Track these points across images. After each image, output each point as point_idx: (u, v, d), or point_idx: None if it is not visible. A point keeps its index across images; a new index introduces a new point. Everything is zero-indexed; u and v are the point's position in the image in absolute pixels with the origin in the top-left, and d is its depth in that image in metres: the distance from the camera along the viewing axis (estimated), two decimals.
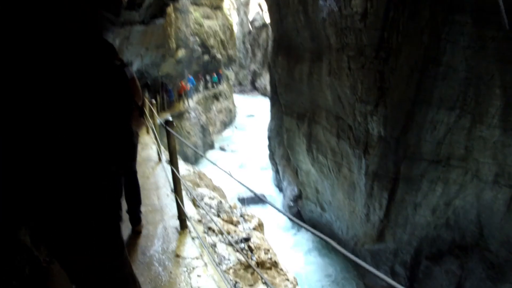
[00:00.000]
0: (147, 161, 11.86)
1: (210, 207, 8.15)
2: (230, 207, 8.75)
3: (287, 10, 20.28)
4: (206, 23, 44.00)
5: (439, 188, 13.92)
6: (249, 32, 71.66)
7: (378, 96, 13.89)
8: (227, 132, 45.84)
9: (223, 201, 8.89)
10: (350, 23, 14.00)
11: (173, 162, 5.68)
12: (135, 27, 19.51)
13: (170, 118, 6.13)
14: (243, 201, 25.84)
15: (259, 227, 8.23)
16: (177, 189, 5.93)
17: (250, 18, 69.06)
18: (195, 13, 41.68)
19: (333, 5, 14.54)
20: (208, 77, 45.21)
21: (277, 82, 24.37)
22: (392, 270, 16.34)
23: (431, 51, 12.67)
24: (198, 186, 11.00)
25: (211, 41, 44.49)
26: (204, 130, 36.33)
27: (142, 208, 6.31)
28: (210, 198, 8.71)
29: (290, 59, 21.58)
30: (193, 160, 32.54)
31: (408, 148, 14.12)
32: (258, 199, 25.78)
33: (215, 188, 12.67)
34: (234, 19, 70.16)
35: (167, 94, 31.92)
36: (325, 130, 18.63)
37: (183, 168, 12.69)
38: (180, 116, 31.85)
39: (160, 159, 11.71)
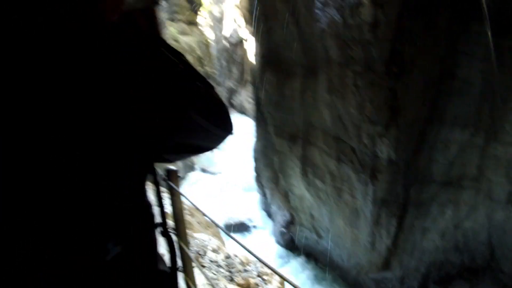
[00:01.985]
0: None
1: (218, 265, 6.57)
2: (242, 262, 7.18)
3: (275, 22, 18.95)
4: (183, 39, 42.75)
5: (449, 210, 13.69)
6: (225, 48, 71.19)
7: (389, 116, 12.90)
8: (207, 153, 44.03)
9: (230, 253, 7.32)
10: (357, 34, 12.78)
11: (180, 234, 4.06)
12: None
13: (173, 168, 4.53)
14: (230, 227, 24.34)
15: (282, 287, 6.68)
16: (186, 269, 4.28)
17: (226, 34, 68.66)
18: (171, 29, 40.31)
19: (335, 14, 13.22)
20: None
21: (263, 100, 22.84)
22: None
23: (447, 65, 12.10)
24: (191, 227, 9.50)
25: (188, 58, 42.75)
26: None
27: None
28: (213, 250, 7.15)
29: (280, 75, 20.17)
30: None
31: (418, 170, 13.55)
32: (246, 226, 24.71)
33: (208, 225, 11.31)
34: (210, 35, 69.99)
35: None
36: (322, 152, 17.42)
37: (168, 202, 11.15)
38: None
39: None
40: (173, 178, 4.15)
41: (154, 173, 1.99)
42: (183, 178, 33.05)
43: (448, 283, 14.52)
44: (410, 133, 12.98)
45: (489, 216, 13.14)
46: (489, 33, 11.01)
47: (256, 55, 24.34)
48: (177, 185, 4.20)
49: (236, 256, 7.67)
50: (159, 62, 1.59)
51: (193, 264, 6.06)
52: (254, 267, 7.46)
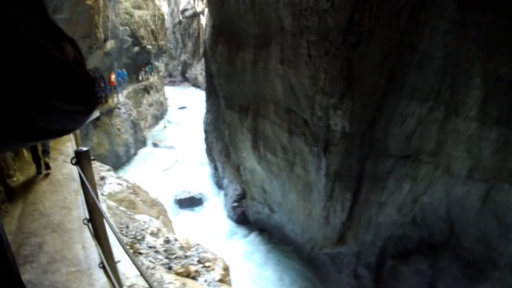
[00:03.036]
0: (69, 181, 9.50)
1: (156, 251, 5.99)
2: (182, 247, 6.61)
3: None
4: (137, 13, 42.26)
5: (407, 185, 13.63)
6: (180, 22, 71.15)
7: (344, 87, 12.65)
8: (159, 126, 43.71)
9: (170, 237, 6.74)
10: (313, 3, 12.51)
11: (95, 224, 3.43)
12: (57, 15, 17.33)
13: (83, 148, 3.88)
14: (182, 202, 24.13)
15: (225, 275, 6.15)
16: (108, 262, 3.68)
17: (181, 7, 68.53)
18: (126, 3, 39.74)
19: None
20: (146, 68, 44.25)
21: (215, 72, 22.48)
22: (355, 273, 15.82)
23: (408, 36, 11.86)
24: (134, 207, 8.94)
25: (142, 32, 42.63)
26: (135, 126, 34.10)
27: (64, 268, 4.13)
28: (153, 234, 6.55)
29: (231, 46, 19.75)
30: (125, 159, 30.85)
31: (374, 144, 13.45)
32: (197, 200, 24.31)
33: (153, 204, 10.79)
34: (165, 9, 70.12)
35: (103, 89, 29.77)
36: (273, 125, 17.15)
37: (114, 182, 10.61)
38: (109, 112, 29.47)
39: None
40: (84, 161, 3.54)
41: None
42: (134, 154, 32.54)
43: (407, 258, 14.47)
44: (366, 105, 12.71)
45: (448, 191, 13.06)
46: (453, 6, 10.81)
47: (208, 26, 23.90)
48: (90, 168, 3.58)
49: (176, 240, 7.12)
50: None
51: (126, 253, 5.48)
52: (196, 252, 6.94)
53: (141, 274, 4.51)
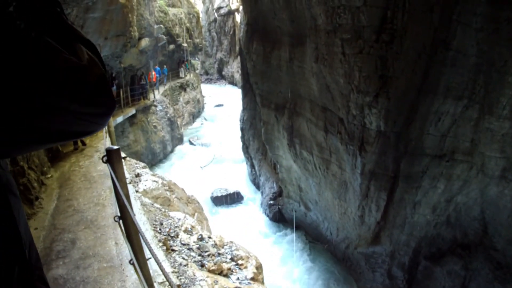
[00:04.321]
0: (103, 178, 9.68)
1: (189, 248, 6.06)
2: (216, 245, 6.67)
3: None
4: (171, 11, 42.67)
5: (441, 184, 13.28)
6: (215, 19, 71.50)
7: (379, 85, 12.48)
8: (196, 124, 44.13)
9: (204, 234, 6.81)
10: (345, 1, 12.36)
11: (126, 221, 3.51)
12: (90, 14, 17.49)
13: (114, 146, 3.96)
14: (218, 200, 24.31)
15: (258, 273, 6.18)
16: (138, 260, 3.76)
17: (216, 5, 68.80)
18: (160, 1, 40.21)
19: None
20: (183, 65, 44.85)
21: (250, 70, 22.48)
22: (389, 273, 15.66)
23: (441, 33, 11.53)
24: (170, 204, 9.04)
25: (177, 30, 43.09)
26: (172, 123, 34.54)
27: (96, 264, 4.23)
28: (187, 231, 6.63)
29: (266, 44, 19.74)
30: (162, 156, 31.14)
31: (410, 143, 13.14)
32: (233, 198, 24.44)
33: (189, 201, 10.90)
34: (200, 7, 70.53)
35: (143, 86, 30.65)
36: (309, 123, 17.06)
37: (150, 179, 10.75)
38: (146, 110, 29.87)
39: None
40: (115, 159, 3.61)
41: None
42: (171, 151, 32.90)
43: (440, 259, 14.25)
44: (401, 104, 12.56)
45: (482, 191, 12.69)
46: (485, 2, 10.58)
47: (243, 24, 23.96)
48: (121, 166, 3.66)
49: (210, 237, 7.18)
50: None
51: (160, 249, 5.57)
52: (229, 250, 6.98)
53: (175, 270, 4.61)
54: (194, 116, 45.23)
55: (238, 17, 51.86)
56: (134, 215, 3.43)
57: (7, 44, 1.05)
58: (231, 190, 24.92)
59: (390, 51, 11.92)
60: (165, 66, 38.94)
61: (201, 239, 6.74)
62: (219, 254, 6.61)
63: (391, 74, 12.15)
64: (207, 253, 6.36)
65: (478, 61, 11.22)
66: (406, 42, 11.72)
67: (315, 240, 19.60)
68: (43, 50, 1.15)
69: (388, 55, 11.99)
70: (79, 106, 1.25)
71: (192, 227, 7.06)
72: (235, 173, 29.20)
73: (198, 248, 6.41)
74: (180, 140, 36.39)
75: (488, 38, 10.87)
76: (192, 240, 6.56)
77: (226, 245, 7.24)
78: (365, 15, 11.94)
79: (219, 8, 67.65)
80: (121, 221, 4.11)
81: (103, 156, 3.83)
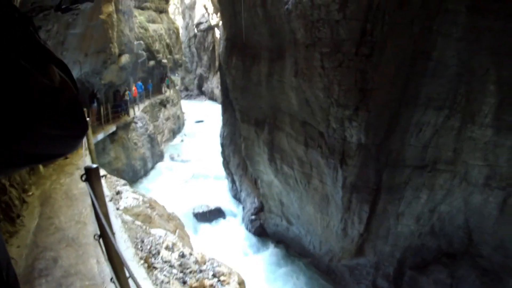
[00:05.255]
0: (84, 196, 9.59)
1: (171, 265, 5.99)
2: (197, 261, 6.61)
3: (242, 5, 18.37)
4: (151, 27, 42.62)
5: (424, 195, 13.55)
6: (195, 35, 71.51)
7: (359, 98, 12.60)
8: (176, 140, 43.91)
9: (185, 251, 6.74)
10: (325, 14, 12.41)
11: (106, 239, 3.45)
12: (71, 30, 17.35)
13: (93, 165, 3.89)
14: (199, 216, 24.13)
15: None
16: (118, 278, 3.70)
17: (195, 21, 68.90)
18: (140, 17, 40.18)
19: None
20: (164, 82, 44.81)
21: (230, 85, 22.47)
22: (374, 284, 15.77)
23: (421, 45, 11.79)
24: (151, 221, 8.95)
25: (157, 46, 43.08)
26: (152, 140, 34.31)
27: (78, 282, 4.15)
28: (168, 248, 6.56)
29: (246, 59, 19.73)
30: (142, 173, 30.94)
31: (391, 154, 13.38)
32: (214, 214, 24.30)
33: (170, 218, 10.79)
34: (179, 23, 70.48)
35: (124, 102, 30.57)
36: (290, 137, 17.11)
37: (130, 197, 10.66)
38: (126, 126, 29.64)
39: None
40: (94, 178, 3.55)
41: None
42: (151, 168, 32.74)
43: (426, 268, 14.41)
44: (381, 116, 12.66)
45: (465, 199, 12.96)
46: (465, 12, 10.76)
47: (222, 39, 23.96)
48: (99, 185, 3.59)
49: (191, 254, 7.13)
50: None
51: (142, 267, 5.49)
52: (211, 266, 6.93)
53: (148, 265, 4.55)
54: (175, 132, 45.03)
55: (218, 33, 51.94)
56: (114, 233, 3.37)
57: None
58: (212, 206, 24.77)
59: (370, 64, 11.99)
60: (149, 81, 39.21)
61: (182, 256, 6.68)
62: (201, 270, 6.55)
63: (371, 86, 12.22)
64: (189, 270, 6.30)
65: (459, 70, 11.45)
66: (385, 54, 11.81)
67: (298, 254, 19.53)
68: (15, 72, 1.09)
69: (368, 68, 12.05)
70: (51, 129, 1.20)
71: (174, 244, 7.00)
72: (216, 189, 28.94)
73: (180, 265, 6.35)
74: (160, 157, 36.14)
75: (468, 47, 11.08)
76: (173, 257, 6.50)
77: (208, 261, 7.19)
78: (345, 28, 12.00)
79: (199, 23, 67.68)
80: (101, 239, 4.04)
81: (82, 175, 3.77)
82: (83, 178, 3.79)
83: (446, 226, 13.67)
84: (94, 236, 4.41)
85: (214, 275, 6.58)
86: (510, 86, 10.92)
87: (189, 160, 35.75)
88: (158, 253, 6.53)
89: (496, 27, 10.61)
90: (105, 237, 3.92)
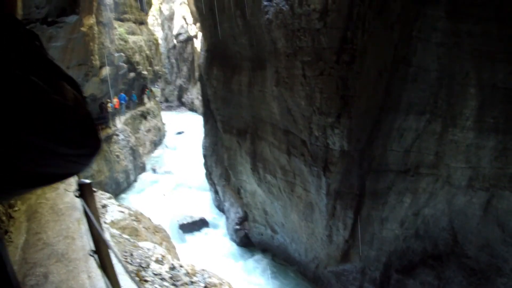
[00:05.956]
0: (71, 210, 9.51)
1: (162, 278, 6.00)
2: (188, 273, 6.61)
3: (222, 16, 18.56)
4: (131, 38, 42.51)
5: (408, 199, 13.71)
6: (174, 46, 71.30)
7: (340, 106, 12.66)
8: (158, 152, 43.73)
9: (175, 263, 6.75)
10: (305, 23, 12.48)
11: (101, 256, 3.47)
12: (53, 43, 17.24)
13: (86, 180, 3.90)
14: (184, 227, 24.05)
15: None
16: None
17: (175, 32, 68.79)
18: (120, 29, 40.20)
19: (282, 4, 12.90)
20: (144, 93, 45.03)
21: (211, 96, 22.50)
22: None
23: (401, 50, 12.03)
24: (137, 234, 8.93)
25: (137, 57, 42.97)
26: (134, 152, 34.29)
27: None
28: (157, 261, 6.56)
29: (227, 69, 19.81)
30: (125, 185, 30.79)
31: (373, 160, 13.55)
32: (199, 225, 24.23)
33: (156, 230, 10.74)
34: (159, 34, 70.35)
35: (106, 114, 30.47)
36: (272, 146, 17.13)
37: (116, 210, 10.61)
38: (108, 139, 29.49)
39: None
40: (87, 193, 3.56)
41: None
42: (134, 180, 32.57)
43: (412, 271, 14.52)
44: (363, 123, 12.77)
45: (449, 202, 13.17)
46: (445, 17, 10.93)
47: (203, 50, 23.98)
48: (93, 200, 3.60)
49: (181, 266, 7.13)
50: None
51: (133, 281, 5.50)
52: (202, 278, 6.94)
53: (139, 279, 4.55)
54: (156, 144, 44.85)
55: (197, 43, 51.93)
56: (113, 249, 3.38)
57: None
58: (196, 217, 24.70)
59: (351, 71, 12.07)
60: (133, 92, 39.50)
61: (172, 268, 6.68)
62: (192, 282, 6.56)
63: (352, 93, 12.30)
64: (180, 282, 6.30)
65: (439, 75, 11.65)
66: (366, 61, 11.93)
67: (284, 262, 19.52)
68: (28, 90, 1.08)
69: (349, 75, 12.13)
70: (66, 148, 1.20)
71: (163, 256, 7.00)
72: (200, 200, 28.90)
73: (171, 278, 6.35)
74: (142, 169, 36.02)
75: (448, 52, 11.29)
76: (163, 269, 6.50)
77: (198, 273, 7.19)
78: (325, 37, 12.07)
79: (178, 34, 67.51)
80: (96, 255, 4.04)
81: (75, 190, 3.77)
82: (77, 194, 3.79)
83: (431, 228, 13.83)
84: (89, 252, 4.41)
85: (205, 287, 6.59)
86: (491, 88, 11.15)
87: (171, 172, 35.63)
88: (148, 266, 6.53)
89: (475, 31, 10.83)
90: (100, 252, 3.92)
